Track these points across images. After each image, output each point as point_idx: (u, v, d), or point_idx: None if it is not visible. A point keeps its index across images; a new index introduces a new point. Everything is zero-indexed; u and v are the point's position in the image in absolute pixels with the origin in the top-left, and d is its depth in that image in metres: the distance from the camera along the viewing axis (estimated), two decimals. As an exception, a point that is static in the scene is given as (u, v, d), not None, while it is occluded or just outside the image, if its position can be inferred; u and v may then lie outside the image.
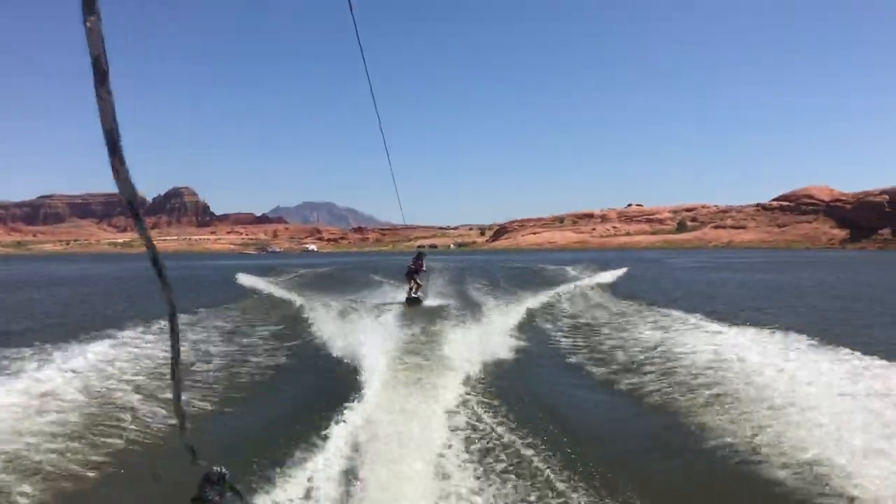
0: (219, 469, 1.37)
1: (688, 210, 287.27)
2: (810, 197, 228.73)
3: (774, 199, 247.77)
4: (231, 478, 1.38)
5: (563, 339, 17.28)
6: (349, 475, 6.79)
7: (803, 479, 6.77)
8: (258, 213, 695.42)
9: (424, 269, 27.94)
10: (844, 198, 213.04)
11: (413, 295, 26.20)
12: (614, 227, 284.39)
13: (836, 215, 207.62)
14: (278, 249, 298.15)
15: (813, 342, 13.81)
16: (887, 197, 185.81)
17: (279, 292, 31.25)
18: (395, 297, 28.40)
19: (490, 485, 6.67)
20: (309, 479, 6.69)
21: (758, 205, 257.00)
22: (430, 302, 26.04)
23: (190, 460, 1.34)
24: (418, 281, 27.05)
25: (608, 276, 40.35)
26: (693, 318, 18.95)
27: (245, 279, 41.32)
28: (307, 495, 6.45)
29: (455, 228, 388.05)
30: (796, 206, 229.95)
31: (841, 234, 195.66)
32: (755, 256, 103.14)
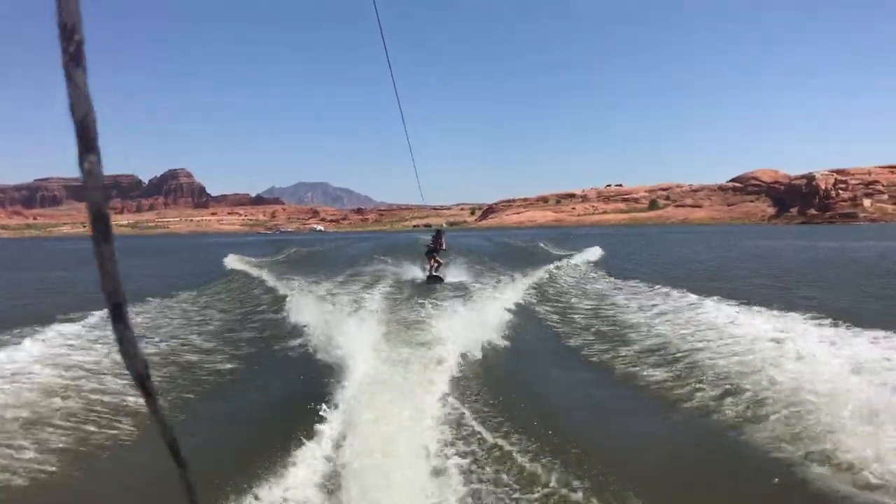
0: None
1: (663, 189, 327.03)
2: (756, 179, 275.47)
3: (729, 181, 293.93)
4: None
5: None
6: (328, 485, 6.48)
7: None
8: (253, 194, 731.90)
9: (444, 247, 27.98)
10: (781, 180, 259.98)
11: (434, 273, 26.27)
12: (593, 206, 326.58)
13: (773, 195, 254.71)
14: (290, 229, 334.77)
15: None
16: (805, 181, 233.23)
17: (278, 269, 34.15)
18: (400, 273, 28.78)
19: (477, 486, 6.47)
20: (286, 491, 6.38)
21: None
22: (451, 279, 26.06)
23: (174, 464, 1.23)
24: (438, 259, 27.14)
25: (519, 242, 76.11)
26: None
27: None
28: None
29: (449, 208, 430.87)
30: (744, 186, 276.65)
31: (771, 211, 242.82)
32: (678, 231, 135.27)
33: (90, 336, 14.37)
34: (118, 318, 0.85)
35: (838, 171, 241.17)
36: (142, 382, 0.90)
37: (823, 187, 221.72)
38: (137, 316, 17.35)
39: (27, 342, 13.07)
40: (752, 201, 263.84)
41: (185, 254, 67.34)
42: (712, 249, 53.80)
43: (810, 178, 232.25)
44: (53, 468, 7.25)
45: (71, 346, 13.39)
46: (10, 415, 8.84)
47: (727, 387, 9.53)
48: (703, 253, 48.74)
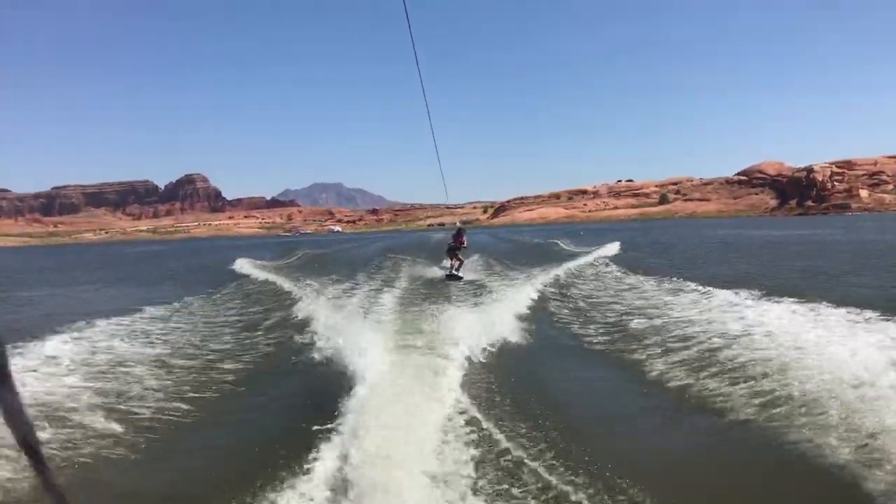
0: None
1: (673, 184, 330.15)
2: (761, 172, 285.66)
3: (736, 174, 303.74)
4: None
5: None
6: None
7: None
8: (268, 197, 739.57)
9: (465, 245, 29.17)
10: (784, 173, 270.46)
11: (453, 272, 27.52)
12: (604, 202, 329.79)
13: (777, 187, 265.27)
14: (308, 231, 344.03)
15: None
16: (805, 173, 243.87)
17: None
18: (415, 271, 31.17)
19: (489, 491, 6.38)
20: (291, 495, 6.34)
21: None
22: (469, 277, 27.36)
23: None
24: (459, 257, 28.41)
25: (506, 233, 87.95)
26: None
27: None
28: None
29: (461, 207, 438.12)
30: (749, 179, 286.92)
31: (774, 203, 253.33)
32: (673, 225, 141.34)
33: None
34: (1, 381, 0.79)
35: (845, 163, 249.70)
36: (28, 446, 0.84)
37: (820, 179, 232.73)
38: (152, 313, 18.84)
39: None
40: (756, 194, 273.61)
41: (208, 256, 71.52)
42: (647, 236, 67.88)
43: (810, 170, 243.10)
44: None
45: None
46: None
47: (757, 387, 9.17)
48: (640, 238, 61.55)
